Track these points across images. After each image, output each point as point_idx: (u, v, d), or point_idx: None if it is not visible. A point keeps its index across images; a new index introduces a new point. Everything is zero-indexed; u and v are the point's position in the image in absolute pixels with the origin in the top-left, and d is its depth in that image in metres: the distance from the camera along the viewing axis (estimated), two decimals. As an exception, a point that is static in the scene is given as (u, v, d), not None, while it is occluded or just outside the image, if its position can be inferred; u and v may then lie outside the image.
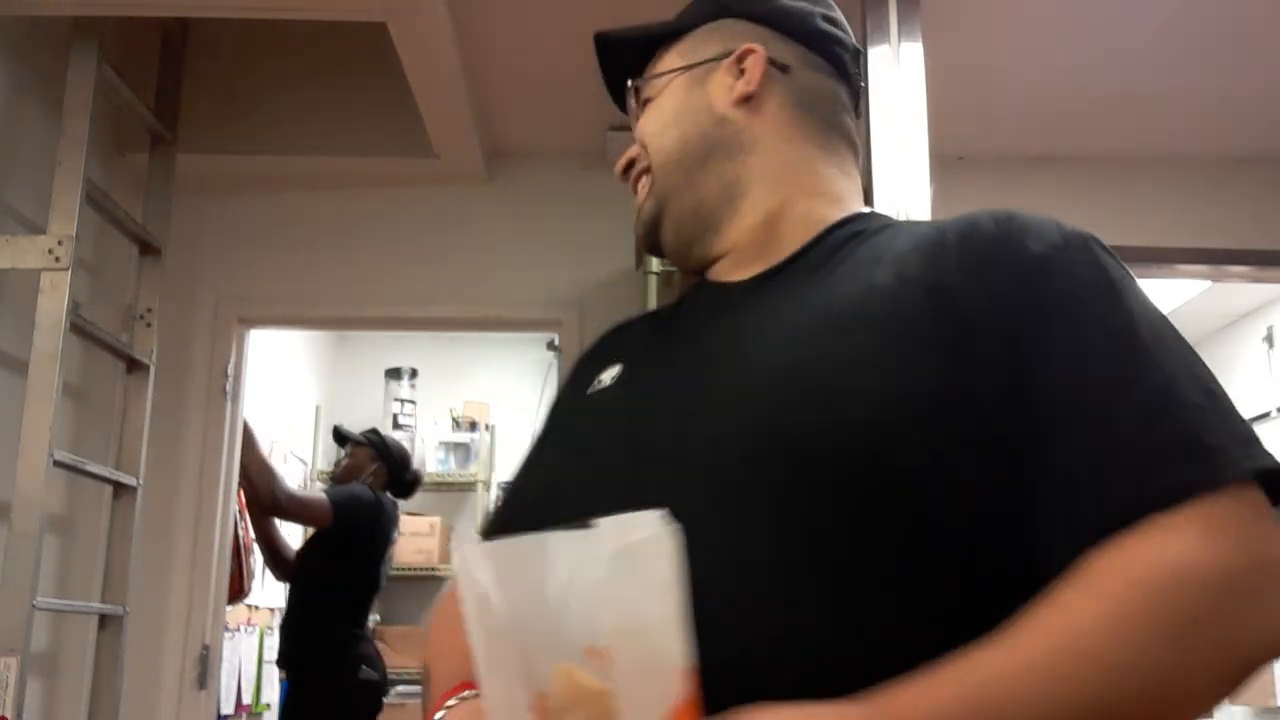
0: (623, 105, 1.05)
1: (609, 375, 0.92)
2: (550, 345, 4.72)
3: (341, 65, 3.01)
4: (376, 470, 3.90)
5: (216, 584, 3.08)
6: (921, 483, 0.70)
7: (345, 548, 3.64)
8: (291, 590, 3.78)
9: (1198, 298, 4.53)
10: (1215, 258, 3.25)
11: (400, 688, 4.49)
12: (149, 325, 2.74)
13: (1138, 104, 3.02)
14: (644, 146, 0.98)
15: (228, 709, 3.75)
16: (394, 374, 5.41)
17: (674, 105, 0.97)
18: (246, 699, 4.03)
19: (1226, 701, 0.67)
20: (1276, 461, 0.68)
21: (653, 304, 2.54)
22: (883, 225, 0.89)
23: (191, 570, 3.03)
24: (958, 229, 0.79)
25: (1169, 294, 4.49)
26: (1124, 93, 2.96)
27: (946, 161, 2.30)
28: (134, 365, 2.72)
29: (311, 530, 3.79)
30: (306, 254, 3.24)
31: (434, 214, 3.27)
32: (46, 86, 2.58)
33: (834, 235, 0.89)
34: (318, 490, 3.71)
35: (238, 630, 3.91)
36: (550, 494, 0.86)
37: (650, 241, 0.98)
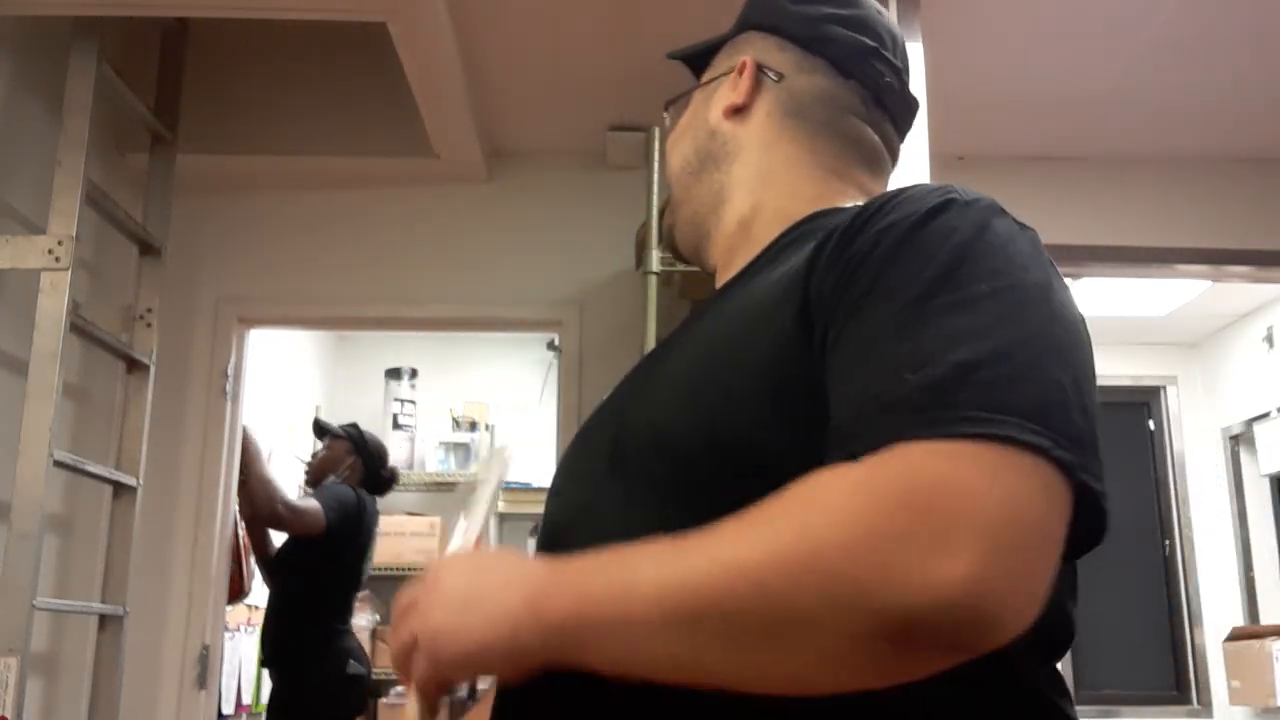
0: None
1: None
2: (550, 345, 4.73)
3: (341, 65, 3.01)
4: (353, 464, 3.90)
5: (216, 584, 3.08)
6: (752, 450, 0.71)
7: (330, 549, 3.64)
8: (273, 589, 3.77)
9: (1198, 298, 4.53)
10: (1215, 258, 3.25)
11: (399, 688, 4.49)
12: (149, 325, 2.74)
13: (1138, 104, 3.02)
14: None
15: (228, 709, 3.75)
16: (394, 374, 5.41)
17: (684, 123, 1.04)
18: (246, 699, 4.03)
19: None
20: (1029, 437, 0.60)
21: (653, 304, 2.54)
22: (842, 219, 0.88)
23: (191, 570, 3.03)
24: (850, 212, 0.78)
25: (1169, 294, 4.50)
26: (1124, 93, 2.96)
27: (946, 161, 2.31)
28: (134, 365, 2.72)
29: None
30: (306, 254, 3.24)
31: (434, 214, 3.27)
32: (46, 86, 2.59)
33: (792, 233, 0.90)
34: (309, 499, 3.71)
35: (238, 630, 3.91)
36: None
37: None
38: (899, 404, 0.62)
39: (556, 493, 0.91)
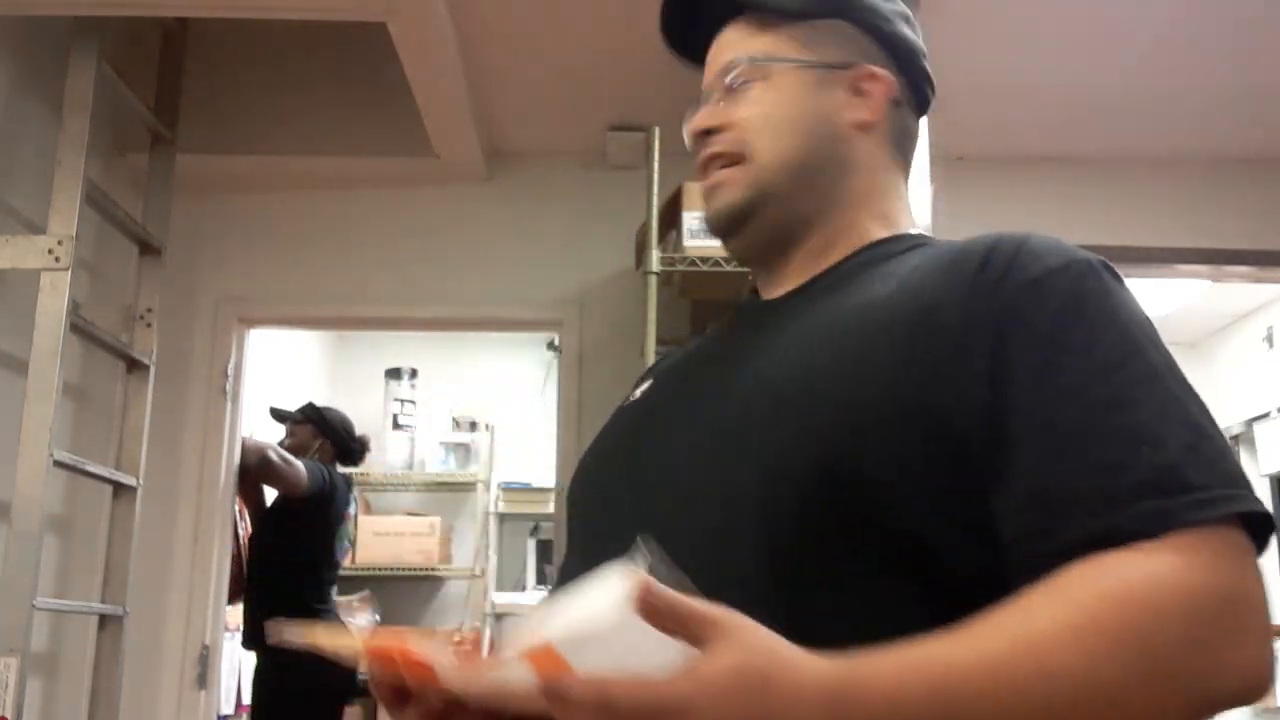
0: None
1: (640, 390, 0.97)
2: (550, 345, 4.72)
3: (341, 65, 3.02)
4: (322, 445, 3.89)
5: (216, 584, 3.08)
6: (877, 489, 0.72)
7: (305, 516, 3.64)
8: (251, 568, 3.75)
9: (1198, 298, 4.53)
10: (1215, 258, 3.25)
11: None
12: (149, 325, 2.74)
13: (1138, 104, 3.02)
14: (741, 133, 0.92)
15: (228, 709, 3.75)
16: (394, 374, 5.41)
17: (796, 107, 0.92)
18: (246, 699, 4.03)
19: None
20: (1260, 505, 0.68)
21: (653, 304, 2.54)
22: (915, 244, 0.89)
23: (191, 570, 3.03)
24: (966, 249, 0.80)
25: (1169, 294, 4.50)
26: (1124, 93, 2.96)
27: (947, 161, 2.30)
28: (134, 365, 2.72)
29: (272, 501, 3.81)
30: (306, 254, 3.24)
31: (434, 214, 3.27)
32: (46, 86, 2.59)
33: (868, 253, 0.91)
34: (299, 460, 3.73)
35: (238, 630, 3.91)
36: (574, 495, 0.93)
37: (725, 232, 0.94)
38: (1155, 485, 0.67)
39: (578, 496, 0.91)
